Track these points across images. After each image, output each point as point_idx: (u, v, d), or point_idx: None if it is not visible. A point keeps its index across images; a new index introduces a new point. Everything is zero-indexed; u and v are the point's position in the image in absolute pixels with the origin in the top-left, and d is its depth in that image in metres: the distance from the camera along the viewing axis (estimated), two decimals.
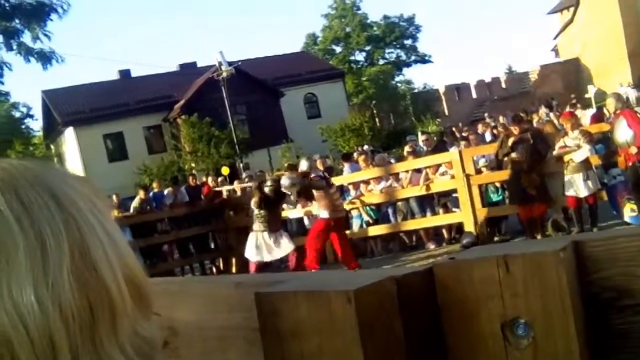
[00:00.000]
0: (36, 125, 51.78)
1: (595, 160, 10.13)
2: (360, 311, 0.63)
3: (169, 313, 0.93)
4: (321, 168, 14.40)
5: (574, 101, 23.97)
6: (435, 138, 15.07)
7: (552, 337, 0.65)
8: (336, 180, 12.67)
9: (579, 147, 9.78)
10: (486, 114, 29.47)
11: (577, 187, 9.83)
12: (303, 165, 10.40)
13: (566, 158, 9.87)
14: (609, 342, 0.67)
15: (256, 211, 10.01)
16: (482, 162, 11.86)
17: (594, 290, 0.67)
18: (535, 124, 14.67)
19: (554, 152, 10.08)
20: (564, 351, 0.64)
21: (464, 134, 17.14)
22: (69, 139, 39.47)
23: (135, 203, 13.80)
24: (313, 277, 0.80)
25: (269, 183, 10.08)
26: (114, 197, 14.09)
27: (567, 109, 18.56)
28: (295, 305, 0.68)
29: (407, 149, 14.48)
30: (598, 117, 14.16)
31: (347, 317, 0.63)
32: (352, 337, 0.63)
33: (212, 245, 14.83)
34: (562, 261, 0.64)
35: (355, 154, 19.78)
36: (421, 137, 15.84)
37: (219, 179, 15.42)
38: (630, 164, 9.22)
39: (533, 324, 0.66)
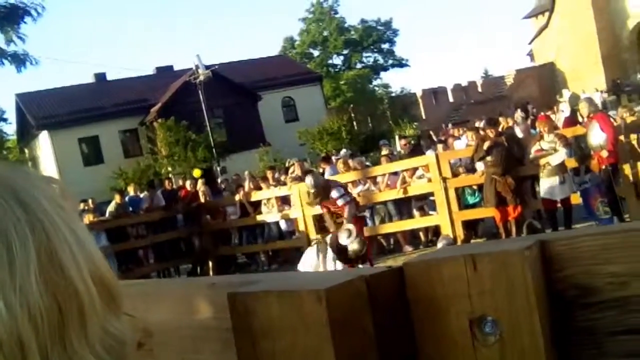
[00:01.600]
0: (10, 129, 51.23)
1: (571, 164, 10.25)
2: (331, 310, 0.64)
3: (144, 314, 0.93)
4: (299, 172, 14.41)
5: (555, 106, 24.21)
6: (412, 142, 15.14)
7: (519, 334, 0.67)
8: None
9: (555, 150, 9.89)
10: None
11: (553, 190, 9.94)
12: (308, 182, 9.27)
13: (542, 161, 9.98)
14: (573, 338, 0.69)
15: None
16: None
17: (559, 287, 0.69)
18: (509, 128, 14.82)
19: (530, 156, 10.19)
20: (530, 347, 0.66)
21: (441, 138, 17.23)
22: (44, 142, 39.05)
23: (111, 207, 13.70)
24: (287, 277, 0.81)
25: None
26: (90, 201, 13.96)
27: (549, 112, 18.80)
28: (267, 304, 0.69)
29: (383, 152, 14.55)
30: (571, 121, 14.33)
31: (318, 316, 0.64)
32: (323, 335, 0.64)
33: (188, 249, 14.75)
34: (527, 259, 0.65)
35: (333, 158, 19.80)
36: (400, 142, 15.89)
37: (199, 182, 15.30)
38: (603, 167, 9.36)
39: (500, 321, 0.67)
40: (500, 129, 11.60)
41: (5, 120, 49.26)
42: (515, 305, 0.66)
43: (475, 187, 11.70)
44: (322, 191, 9.06)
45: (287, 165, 18.09)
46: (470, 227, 11.59)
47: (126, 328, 0.64)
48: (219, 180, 20.24)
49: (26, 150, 44.68)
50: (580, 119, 12.46)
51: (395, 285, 0.72)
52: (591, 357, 0.68)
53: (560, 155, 9.87)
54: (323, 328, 0.64)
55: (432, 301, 0.70)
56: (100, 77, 43.28)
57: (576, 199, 10.14)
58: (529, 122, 17.43)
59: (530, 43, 52.11)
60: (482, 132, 11.37)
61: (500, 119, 16.24)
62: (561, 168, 9.94)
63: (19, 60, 21.55)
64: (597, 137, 9.37)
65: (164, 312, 0.92)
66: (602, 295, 0.66)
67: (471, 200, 11.73)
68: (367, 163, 14.94)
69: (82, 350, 0.57)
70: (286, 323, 0.67)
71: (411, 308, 0.72)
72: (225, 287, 0.82)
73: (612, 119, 10.29)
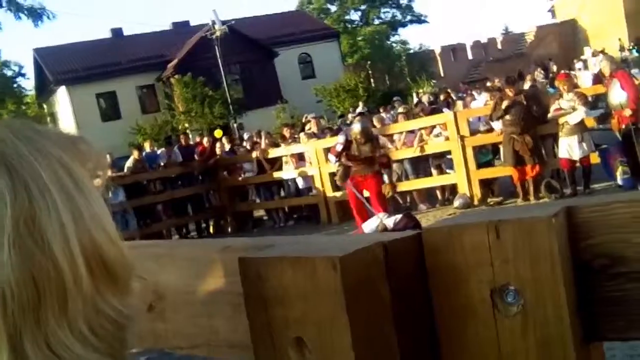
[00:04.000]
0: (28, 84, 51.35)
1: (590, 123, 10.11)
2: (346, 278, 0.62)
3: (155, 277, 0.91)
4: (315, 129, 14.36)
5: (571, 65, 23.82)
6: (428, 104, 14.98)
7: (542, 304, 0.64)
8: (330, 141, 12.62)
9: (574, 109, 9.76)
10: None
11: (571, 149, 9.83)
12: (357, 128, 10.12)
13: (561, 120, 9.85)
14: (599, 309, 0.66)
15: None
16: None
17: (586, 257, 0.66)
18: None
19: (549, 115, 10.07)
20: (554, 318, 0.63)
21: (461, 95, 17.04)
22: (62, 98, 39.17)
23: (129, 163, 13.74)
24: (302, 242, 0.78)
25: None
26: (107, 156, 14.00)
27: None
28: (280, 271, 0.66)
29: (400, 110, 14.42)
30: (599, 79, 14.06)
31: (332, 283, 0.62)
32: (337, 303, 0.62)
33: (203, 205, 14.85)
34: (553, 227, 0.62)
35: (349, 116, 19.68)
36: (418, 97, 15.72)
37: (219, 141, 15.35)
38: (623, 126, 9.21)
39: (523, 291, 0.64)
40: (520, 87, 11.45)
41: (23, 75, 49.33)
42: (539, 275, 0.63)
43: (489, 146, 11.62)
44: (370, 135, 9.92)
45: (303, 121, 18.03)
46: (486, 185, 11.53)
47: (129, 307, 0.59)
48: (241, 137, 20.14)
49: (45, 106, 44.87)
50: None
51: (414, 252, 0.69)
52: (619, 329, 0.65)
53: (579, 113, 9.74)
54: (337, 296, 0.62)
55: (452, 269, 0.67)
56: (117, 32, 43.12)
57: (595, 158, 10.03)
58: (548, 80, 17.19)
59: None
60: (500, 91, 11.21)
61: (528, 77, 16.04)
62: (580, 127, 9.82)
63: (36, 15, 21.51)
64: (617, 95, 9.21)
65: (176, 275, 0.90)
66: (633, 265, 0.63)
67: (484, 158, 11.63)
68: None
69: (61, 332, 0.53)
70: (300, 290, 0.65)
71: (430, 276, 0.69)
72: (239, 250, 0.80)
73: (634, 78, 10.10)
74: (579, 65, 20.60)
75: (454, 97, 19.24)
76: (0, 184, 0.53)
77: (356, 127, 10.07)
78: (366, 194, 10.36)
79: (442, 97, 18.44)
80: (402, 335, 0.67)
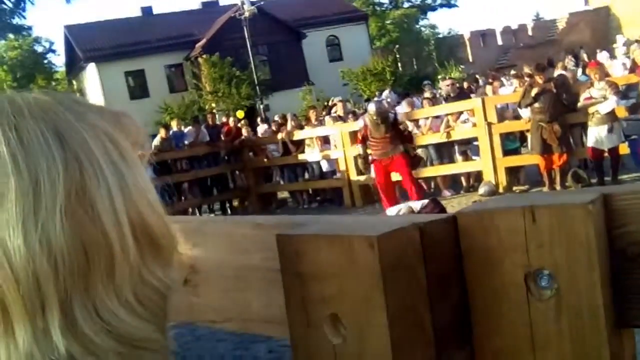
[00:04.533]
0: (59, 60, 51.92)
1: (621, 112, 9.96)
2: (383, 257, 0.63)
3: (189, 251, 0.93)
4: (341, 112, 14.34)
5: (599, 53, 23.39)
6: (458, 85, 14.83)
7: (576, 290, 0.64)
8: (355, 125, 12.62)
9: (604, 98, 9.63)
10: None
11: (601, 138, 9.71)
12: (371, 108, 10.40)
13: (591, 109, 9.73)
14: (633, 296, 0.66)
15: None
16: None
17: (620, 244, 0.66)
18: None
19: (579, 104, 9.94)
20: (588, 304, 0.64)
21: (489, 81, 16.83)
22: (91, 75, 39.52)
23: (156, 141, 13.85)
24: (334, 221, 0.79)
25: None
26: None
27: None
28: (317, 248, 0.67)
29: (426, 95, 14.33)
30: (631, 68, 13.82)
31: (369, 262, 0.63)
32: (373, 282, 0.63)
33: (231, 185, 14.95)
34: (590, 214, 0.62)
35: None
36: (445, 82, 15.57)
37: (241, 122, 15.47)
38: None
39: (557, 276, 0.65)
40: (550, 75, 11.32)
41: (54, 51, 49.84)
42: (574, 261, 0.64)
43: (517, 134, 11.52)
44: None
45: (330, 104, 18.00)
46: (512, 173, 11.45)
47: (172, 279, 0.61)
48: (267, 118, 20.23)
49: (74, 82, 45.31)
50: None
51: (449, 234, 0.70)
52: None
53: (610, 103, 9.61)
54: (374, 275, 0.63)
55: (486, 252, 0.68)
56: (147, 10, 43.32)
57: (624, 149, 9.89)
58: (580, 68, 16.93)
59: None
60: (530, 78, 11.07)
61: (558, 64, 15.81)
62: (610, 116, 9.69)
63: None
64: None
65: (210, 250, 0.92)
66: None
67: (511, 146, 11.53)
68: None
69: (108, 299, 0.55)
70: (336, 268, 0.66)
71: (464, 258, 0.70)
72: (272, 227, 0.81)
73: None
74: (601, 56, 20.17)
75: (481, 83, 19.04)
76: (55, 155, 0.54)
77: (371, 108, 10.27)
78: (395, 177, 10.39)
79: (465, 85, 18.19)
80: (436, 316, 0.68)
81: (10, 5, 29.28)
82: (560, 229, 0.64)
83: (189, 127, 15.22)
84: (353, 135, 12.52)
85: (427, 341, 0.67)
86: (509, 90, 13.67)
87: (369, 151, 10.56)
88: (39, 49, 48.52)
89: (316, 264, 0.68)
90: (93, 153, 0.56)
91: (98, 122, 0.60)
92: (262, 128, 16.09)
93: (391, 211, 8.28)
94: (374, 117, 10.00)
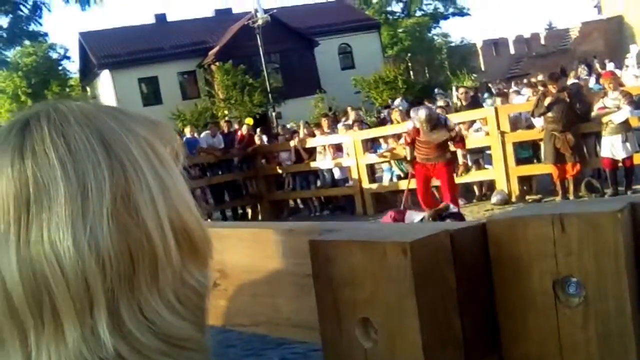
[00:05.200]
0: (73, 67, 52.18)
1: (635, 122, 9.92)
2: (415, 263, 0.64)
3: (219, 256, 0.95)
4: (352, 118, 14.35)
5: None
6: (471, 94, 14.81)
7: (604, 297, 0.65)
8: (367, 133, 12.64)
9: (618, 108, 9.60)
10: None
11: (615, 148, 9.67)
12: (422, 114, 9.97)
13: (605, 119, 9.70)
14: None
15: None
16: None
17: None
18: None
19: (593, 113, 9.91)
20: (616, 311, 0.65)
21: (503, 90, 16.77)
22: (105, 81, 39.76)
23: None
24: (364, 227, 0.81)
25: None
26: None
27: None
28: (350, 254, 0.69)
29: (439, 103, 14.32)
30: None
31: (402, 268, 0.65)
32: (406, 287, 0.65)
33: (244, 192, 14.98)
34: (619, 222, 0.64)
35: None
36: (458, 91, 15.54)
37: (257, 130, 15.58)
38: None
39: (585, 283, 0.66)
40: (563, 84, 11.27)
41: (68, 58, 50.16)
42: (603, 269, 0.65)
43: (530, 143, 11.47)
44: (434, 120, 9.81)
45: (347, 113, 18.02)
46: (525, 182, 11.41)
47: (208, 281, 0.64)
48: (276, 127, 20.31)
49: (88, 89, 45.59)
50: None
51: (478, 241, 0.71)
52: None
53: (624, 112, 9.57)
54: (406, 280, 0.64)
55: (515, 260, 0.69)
56: (161, 18, 43.58)
57: (638, 159, 9.85)
58: (593, 77, 16.88)
59: None
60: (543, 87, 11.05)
61: (571, 73, 15.77)
62: (624, 126, 9.65)
63: None
64: None
65: (239, 255, 0.94)
66: None
67: (524, 154, 11.49)
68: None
69: (152, 299, 0.57)
70: (368, 273, 0.67)
71: (493, 265, 0.71)
72: (304, 233, 0.83)
73: None
74: (609, 66, 20.06)
75: (494, 92, 18.99)
76: (101, 161, 0.57)
77: (421, 114, 9.87)
78: (435, 182, 10.32)
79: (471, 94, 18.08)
80: (466, 322, 0.69)
81: (27, 11, 29.54)
82: (589, 237, 0.65)
83: (206, 132, 15.30)
84: (365, 143, 12.55)
85: (457, 346, 0.69)
86: (522, 99, 13.65)
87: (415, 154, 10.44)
88: (54, 55, 48.85)
89: (348, 269, 0.69)
90: (136, 159, 0.59)
91: (139, 130, 0.62)
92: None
93: (408, 219, 8.27)
94: (424, 125, 9.75)
